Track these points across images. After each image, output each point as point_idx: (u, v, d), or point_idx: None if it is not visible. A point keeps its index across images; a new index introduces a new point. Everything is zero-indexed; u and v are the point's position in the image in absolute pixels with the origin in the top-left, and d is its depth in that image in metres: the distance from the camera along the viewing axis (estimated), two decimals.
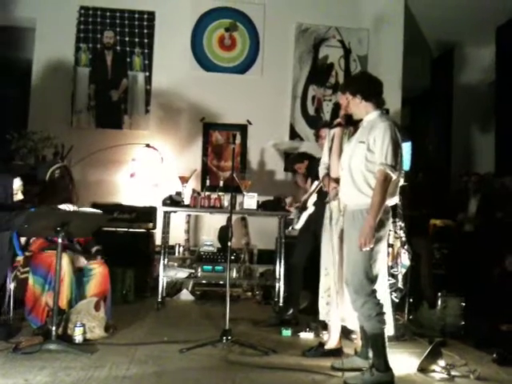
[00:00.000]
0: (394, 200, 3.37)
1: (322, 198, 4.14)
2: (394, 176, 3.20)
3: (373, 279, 3.21)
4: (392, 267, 4.20)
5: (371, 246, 3.14)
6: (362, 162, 3.26)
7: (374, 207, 3.15)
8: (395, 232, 4.27)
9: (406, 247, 4.26)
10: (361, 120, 3.45)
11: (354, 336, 3.98)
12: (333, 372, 3.38)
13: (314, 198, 4.35)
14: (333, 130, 3.63)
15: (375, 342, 3.21)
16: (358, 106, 3.39)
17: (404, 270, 4.24)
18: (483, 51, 7.45)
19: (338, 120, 3.64)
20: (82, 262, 4.15)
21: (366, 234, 3.13)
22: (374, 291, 3.21)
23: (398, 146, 3.22)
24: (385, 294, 3.48)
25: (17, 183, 4.01)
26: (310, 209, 4.39)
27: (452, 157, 7.81)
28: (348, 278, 3.29)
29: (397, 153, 3.21)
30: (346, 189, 3.37)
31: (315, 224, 4.16)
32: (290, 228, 4.69)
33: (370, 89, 3.39)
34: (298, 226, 4.50)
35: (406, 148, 4.90)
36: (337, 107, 6.98)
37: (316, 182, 4.34)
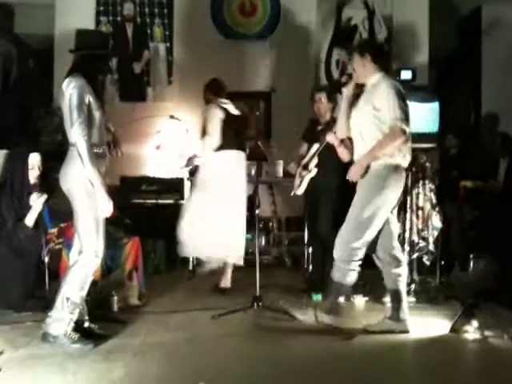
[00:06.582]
0: (405, 160, 3.41)
1: (324, 160, 4.26)
2: (407, 128, 3.28)
3: (360, 238, 3.34)
4: (422, 230, 4.17)
5: (356, 178, 3.39)
6: (371, 125, 3.36)
7: (373, 150, 3.33)
8: (425, 194, 4.22)
9: (437, 209, 4.20)
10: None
11: (385, 299, 3.98)
12: (365, 334, 3.40)
13: (315, 160, 4.38)
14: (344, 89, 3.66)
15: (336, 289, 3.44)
16: (365, 67, 3.47)
17: (436, 233, 4.20)
18: (510, 8, 7.18)
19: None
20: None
21: (354, 168, 3.40)
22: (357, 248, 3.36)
23: (404, 101, 3.32)
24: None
25: (34, 158, 3.99)
26: (313, 171, 4.40)
27: (482, 117, 7.62)
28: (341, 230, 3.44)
29: (403, 107, 3.30)
30: (359, 151, 3.46)
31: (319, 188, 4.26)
32: (292, 193, 4.70)
33: (377, 50, 3.57)
34: (301, 190, 4.51)
35: (434, 109, 4.78)
36: None
37: (316, 145, 4.35)
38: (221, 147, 4.59)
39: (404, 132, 3.28)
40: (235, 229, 4.56)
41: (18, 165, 3.98)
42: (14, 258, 3.82)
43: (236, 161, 4.63)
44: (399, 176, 3.39)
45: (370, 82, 3.48)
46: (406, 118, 3.29)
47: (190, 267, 5.32)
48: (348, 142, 4.37)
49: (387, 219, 3.44)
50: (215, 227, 4.48)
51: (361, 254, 3.39)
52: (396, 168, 3.37)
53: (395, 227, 3.54)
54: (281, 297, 4.39)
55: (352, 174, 3.41)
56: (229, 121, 4.62)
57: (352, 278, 3.42)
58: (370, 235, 3.38)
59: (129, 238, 4.30)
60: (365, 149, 3.40)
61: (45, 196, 3.92)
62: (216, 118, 4.59)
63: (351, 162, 3.62)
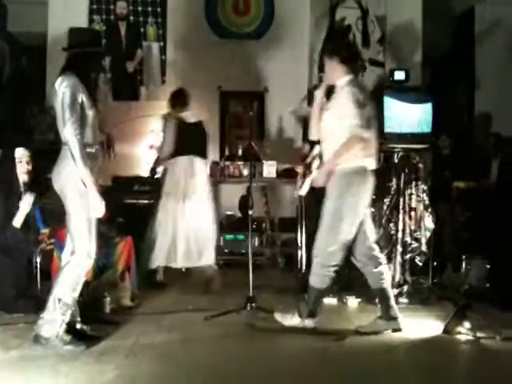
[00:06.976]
0: (371, 162, 3.45)
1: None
2: (366, 134, 3.34)
3: (335, 242, 3.39)
4: (415, 231, 4.18)
5: (320, 184, 3.51)
6: (337, 128, 3.41)
7: (333, 157, 3.42)
8: (417, 195, 4.22)
9: (429, 210, 4.21)
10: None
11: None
12: (357, 335, 3.40)
13: (317, 162, 4.39)
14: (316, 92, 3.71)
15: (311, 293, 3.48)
16: (334, 70, 3.53)
17: (428, 234, 4.21)
18: (505, 9, 7.20)
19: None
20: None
21: (319, 173, 3.51)
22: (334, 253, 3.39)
23: (363, 108, 3.36)
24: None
25: (19, 152, 3.98)
26: (314, 173, 4.41)
27: (475, 118, 7.64)
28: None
29: (362, 114, 3.34)
30: (328, 154, 3.53)
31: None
32: (295, 194, 4.70)
33: (346, 53, 3.56)
34: (303, 191, 4.51)
35: (427, 110, 4.79)
36: None
37: (318, 146, 4.36)
38: (175, 154, 4.80)
39: (362, 139, 3.34)
40: (204, 234, 4.76)
41: (8, 164, 3.98)
42: (1, 257, 3.81)
43: (191, 166, 4.81)
44: (364, 178, 3.43)
45: (339, 85, 3.52)
46: (364, 125, 3.34)
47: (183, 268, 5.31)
48: None
49: (361, 221, 3.47)
50: (184, 236, 4.71)
51: (337, 257, 3.43)
52: (360, 171, 3.42)
53: (370, 228, 3.56)
54: (274, 298, 4.40)
55: (315, 181, 3.51)
56: (184, 129, 4.82)
57: (327, 282, 3.47)
58: (344, 238, 3.42)
59: (121, 237, 4.28)
60: (331, 151, 3.46)
61: (32, 197, 3.90)
62: (169, 126, 4.84)
63: None
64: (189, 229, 4.73)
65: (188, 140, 4.83)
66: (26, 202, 3.88)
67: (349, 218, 3.39)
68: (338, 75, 3.52)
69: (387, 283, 3.54)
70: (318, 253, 3.47)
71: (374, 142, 3.46)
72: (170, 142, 4.81)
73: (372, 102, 3.50)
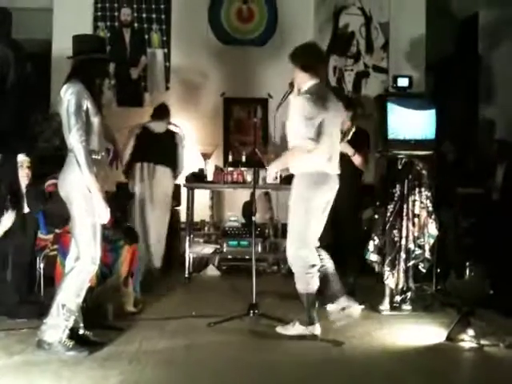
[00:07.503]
0: (333, 168, 3.52)
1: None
2: (311, 147, 3.38)
3: (304, 244, 3.47)
4: (418, 237, 4.17)
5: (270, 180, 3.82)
6: (289, 134, 3.51)
7: (281, 159, 3.59)
8: (421, 202, 4.21)
9: (433, 217, 4.20)
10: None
11: (381, 307, 3.98)
12: (361, 342, 3.39)
13: None
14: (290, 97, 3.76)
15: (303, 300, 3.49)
16: (297, 75, 3.61)
17: (432, 240, 4.19)
18: (509, 15, 7.21)
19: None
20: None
21: (269, 170, 3.82)
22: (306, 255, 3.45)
23: (311, 119, 3.39)
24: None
25: (21, 157, 4.04)
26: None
27: (479, 124, 7.63)
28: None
29: (310, 125, 3.38)
30: None
31: None
32: None
33: (306, 60, 3.61)
34: None
35: (431, 116, 4.79)
36: (358, 77, 6.88)
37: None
38: (133, 160, 5.16)
39: (308, 150, 3.39)
40: (161, 238, 5.23)
41: (8, 169, 4.02)
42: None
43: (152, 174, 5.14)
44: (324, 184, 3.47)
45: (302, 91, 3.57)
46: (311, 137, 3.37)
47: (187, 273, 5.32)
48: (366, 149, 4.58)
49: None
50: (153, 240, 5.21)
51: (312, 258, 3.46)
52: (320, 175, 3.46)
53: None
54: (277, 304, 4.39)
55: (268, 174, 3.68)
56: (148, 138, 5.16)
57: (314, 284, 3.47)
58: (310, 238, 3.48)
59: (125, 241, 4.28)
60: None
61: (13, 214, 3.88)
62: (130, 133, 5.18)
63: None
64: (154, 233, 5.17)
65: (151, 149, 5.12)
66: (7, 219, 3.86)
67: (310, 219, 3.45)
68: (302, 80, 3.58)
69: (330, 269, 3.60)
70: (292, 259, 3.50)
71: (328, 149, 3.48)
72: (127, 152, 5.11)
73: (335, 106, 3.56)
